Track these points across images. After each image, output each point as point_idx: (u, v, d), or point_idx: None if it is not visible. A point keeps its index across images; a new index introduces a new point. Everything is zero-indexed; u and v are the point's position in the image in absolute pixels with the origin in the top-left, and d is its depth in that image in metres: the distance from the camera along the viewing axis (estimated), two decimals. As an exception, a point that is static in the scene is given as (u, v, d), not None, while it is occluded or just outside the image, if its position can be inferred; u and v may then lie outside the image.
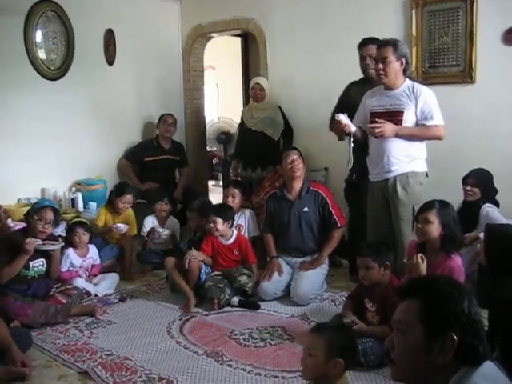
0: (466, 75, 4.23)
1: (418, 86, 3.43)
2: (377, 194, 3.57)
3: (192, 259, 3.71)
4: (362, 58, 4.01)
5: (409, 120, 3.39)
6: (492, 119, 4.10)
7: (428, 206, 3.01)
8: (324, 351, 1.94)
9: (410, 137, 3.40)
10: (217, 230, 3.80)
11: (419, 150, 3.47)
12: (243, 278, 3.75)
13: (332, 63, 4.85)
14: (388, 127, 3.35)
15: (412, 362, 1.32)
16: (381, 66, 3.36)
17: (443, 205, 3.00)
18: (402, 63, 3.37)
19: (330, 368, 1.94)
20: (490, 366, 1.28)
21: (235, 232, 3.93)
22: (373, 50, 3.88)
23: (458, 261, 2.92)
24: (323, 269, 3.88)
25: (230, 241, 3.89)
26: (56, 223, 3.67)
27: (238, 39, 7.61)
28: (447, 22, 4.28)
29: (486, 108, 4.11)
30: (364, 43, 4.00)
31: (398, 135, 3.38)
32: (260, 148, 4.96)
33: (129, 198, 4.42)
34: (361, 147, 3.63)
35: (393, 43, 3.37)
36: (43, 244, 3.51)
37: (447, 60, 4.31)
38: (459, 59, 4.26)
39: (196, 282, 3.76)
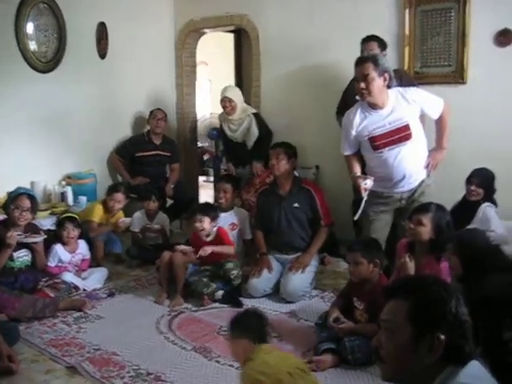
0: (458, 76, 4.26)
1: (406, 93, 3.27)
2: (386, 202, 3.43)
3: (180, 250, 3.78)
4: (362, 52, 4.07)
5: (416, 129, 3.26)
6: (483, 119, 4.13)
7: (424, 208, 2.97)
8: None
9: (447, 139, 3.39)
10: (203, 229, 3.78)
11: (425, 155, 3.41)
12: (229, 265, 3.71)
13: (325, 61, 4.85)
14: (438, 158, 3.36)
15: (399, 360, 1.32)
16: (363, 84, 3.14)
17: (439, 209, 2.96)
18: (385, 79, 3.17)
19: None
20: (475, 365, 1.29)
21: (215, 229, 3.88)
22: (373, 46, 4.01)
23: (445, 264, 2.91)
24: (313, 266, 3.89)
25: (210, 238, 3.84)
26: (34, 210, 3.68)
27: (231, 35, 7.59)
28: (440, 23, 4.30)
29: (478, 108, 4.14)
30: (366, 39, 4.07)
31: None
32: (246, 151, 4.96)
33: (118, 195, 4.43)
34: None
35: (372, 59, 3.17)
36: (25, 237, 3.52)
37: (439, 60, 4.33)
38: (451, 60, 4.29)
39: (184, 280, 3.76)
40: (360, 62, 3.19)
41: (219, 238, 3.83)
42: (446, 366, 1.27)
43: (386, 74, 3.17)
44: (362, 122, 3.30)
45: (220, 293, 3.65)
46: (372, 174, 3.37)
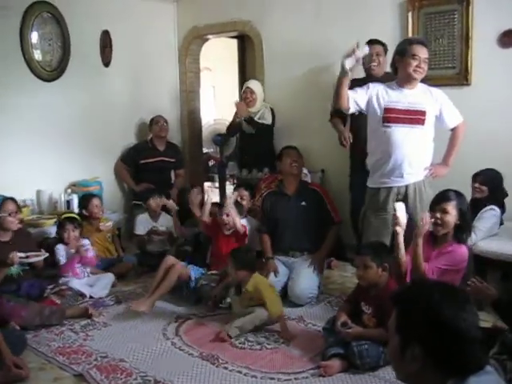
0: (462, 77, 4.25)
1: (432, 89, 3.39)
2: (385, 200, 3.37)
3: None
4: (369, 55, 4.09)
5: (430, 121, 3.34)
6: (487, 121, 4.10)
7: (445, 196, 2.99)
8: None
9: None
10: (229, 222, 3.86)
11: (430, 158, 3.44)
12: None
13: (328, 65, 4.85)
14: (440, 171, 3.41)
15: (395, 366, 1.36)
16: (423, 65, 3.25)
17: (459, 195, 3.02)
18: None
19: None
20: (490, 372, 1.26)
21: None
22: (379, 49, 4.18)
23: (463, 249, 2.95)
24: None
25: (230, 231, 3.92)
26: (20, 210, 3.84)
27: (235, 41, 7.61)
28: (443, 25, 4.29)
29: (482, 110, 4.12)
30: (371, 42, 4.10)
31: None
32: (255, 150, 4.98)
33: (95, 200, 4.41)
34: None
35: (427, 46, 3.34)
36: (27, 257, 3.55)
37: (443, 62, 4.32)
38: (455, 61, 4.28)
39: (186, 287, 3.74)
40: (423, 44, 3.29)
41: (238, 234, 3.90)
42: (448, 379, 1.24)
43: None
44: (385, 92, 3.35)
45: (228, 300, 3.63)
46: (371, 154, 3.44)
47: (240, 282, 3.33)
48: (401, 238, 2.98)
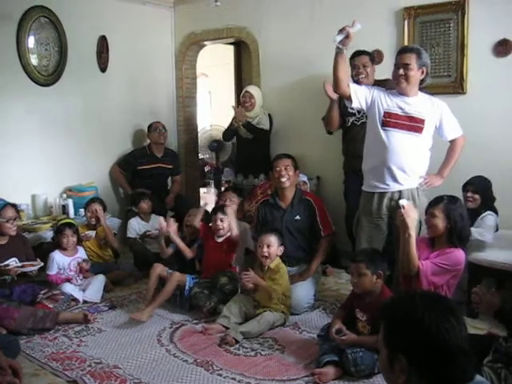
0: (458, 86, 4.27)
1: (434, 99, 3.40)
2: (378, 206, 3.38)
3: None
4: (355, 67, 4.19)
5: (428, 130, 3.34)
6: (483, 130, 4.12)
7: (436, 200, 3.06)
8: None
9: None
10: (222, 228, 3.85)
11: (425, 166, 3.45)
12: (224, 279, 3.70)
13: (325, 72, 4.85)
14: (435, 181, 3.45)
15: (385, 379, 1.36)
16: (402, 71, 3.25)
17: (451, 200, 3.04)
18: (422, 72, 3.29)
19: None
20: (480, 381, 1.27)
21: (228, 234, 3.92)
22: (365, 59, 4.17)
23: (460, 253, 2.97)
24: (315, 278, 3.87)
25: (220, 239, 3.91)
26: (19, 216, 3.89)
27: (231, 47, 7.63)
28: (439, 33, 4.32)
29: (477, 118, 4.14)
30: (357, 53, 4.18)
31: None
32: (252, 156, 4.98)
33: (93, 205, 4.40)
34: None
35: (417, 51, 3.29)
36: (22, 266, 3.57)
37: (439, 71, 4.34)
38: (450, 70, 4.30)
39: (180, 295, 3.74)
40: (405, 51, 3.30)
41: (228, 243, 3.88)
42: None
43: (424, 68, 3.28)
44: (387, 97, 3.35)
45: (222, 307, 3.62)
46: (367, 158, 3.45)
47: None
48: (413, 239, 2.90)
